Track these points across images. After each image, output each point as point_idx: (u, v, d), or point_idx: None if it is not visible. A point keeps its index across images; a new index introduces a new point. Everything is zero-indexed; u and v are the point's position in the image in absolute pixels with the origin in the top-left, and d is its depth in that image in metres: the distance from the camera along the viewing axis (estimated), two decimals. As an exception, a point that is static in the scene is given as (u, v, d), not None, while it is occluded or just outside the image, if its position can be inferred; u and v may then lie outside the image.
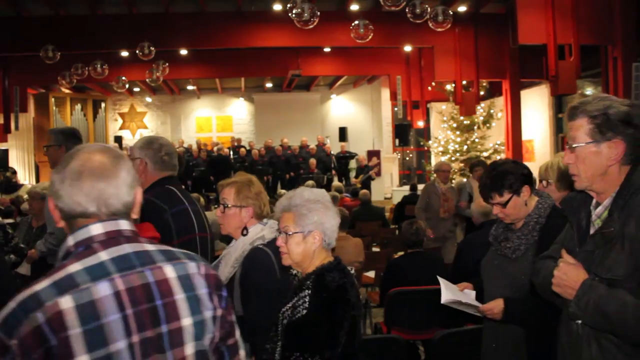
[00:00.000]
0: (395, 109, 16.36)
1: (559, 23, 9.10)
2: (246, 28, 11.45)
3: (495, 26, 11.59)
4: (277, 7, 10.84)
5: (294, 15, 7.86)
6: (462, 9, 11.11)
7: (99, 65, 11.23)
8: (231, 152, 15.67)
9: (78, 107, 16.64)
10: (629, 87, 8.23)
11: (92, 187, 1.24)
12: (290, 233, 2.00)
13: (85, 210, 1.25)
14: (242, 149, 15.34)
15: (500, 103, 13.11)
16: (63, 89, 15.64)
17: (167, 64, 12.04)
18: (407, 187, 12.74)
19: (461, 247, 4.14)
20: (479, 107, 13.03)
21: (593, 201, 1.76)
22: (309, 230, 2.00)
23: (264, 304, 2.18)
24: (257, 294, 2.22)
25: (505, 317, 2.37)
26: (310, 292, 1.93)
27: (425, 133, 16.55)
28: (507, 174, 2.37)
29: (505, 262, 2.46)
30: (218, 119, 19.35)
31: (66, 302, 1.14)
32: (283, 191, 10.55)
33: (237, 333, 1.42)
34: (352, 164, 15.74)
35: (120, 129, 18.84)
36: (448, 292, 2.60)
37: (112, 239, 1.26)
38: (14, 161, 16.16)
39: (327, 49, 13.48)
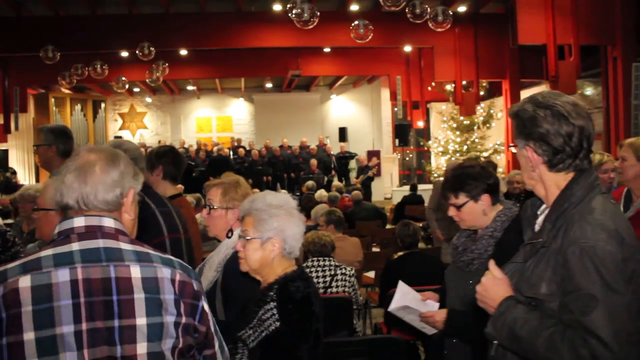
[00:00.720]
0: (395, 109, 16.37)
1: (558, 23, 9.10)
2: (246, 28, 11.45)
3: (495, 26, 11.59)
4: (277, 7, 10.84)
5: (294, 16, 7.86)
6: (462, 9, 11.12)
7: (98, 66, 11.23)
8: (231, 153, 15.67)
9: (78, 107, 16.64)
10: (629, 87, 8.23)
11: (72, 183, 1.36)
12: (248, 238, 1.89)
13: (67, 203, 1.36)
14: (241, 150, 15.32)
15: (500, 103, 13.11)
16: (63, 89, 15.63)
17: (167, 64, 12.04)
18: (407, 187, 12.75)
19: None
20: (479, 107, 13.03)
21: (543, 206, 1.61)
22: (268, 236, 1.87)
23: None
24: (238, 300, 2.13)
25: (446, 328, 2.26)
26: (276, 304, 1.83)
27: (425, 133, 16.55)
28: (469, 178, 2.26)
29: (461, 274, 2.33)
30: (218, 119, 19.34)
31: (24, 281, 1.24)
32: (284, 191, 10.55)
33: (217, 344, 1.44)
34: (352, 164, 15.74)
35: (120, 129, 18.83)
36: (400, 299, 2.48)
37: (90, 232, 1.34)
38: (13, 161, 16.16)
39: (327, 49, 13.48)
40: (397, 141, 15.00)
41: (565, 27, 9.07)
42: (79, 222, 1.35)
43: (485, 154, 13.07)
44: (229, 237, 2.31)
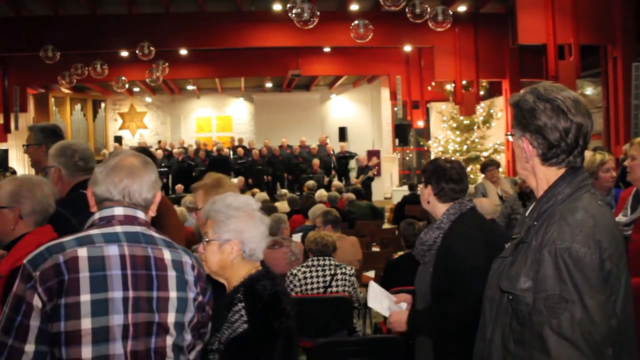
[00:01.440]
0: (395, 108, 16.37)
1: (558, 23, 9.11)
2: (246, 28, 11.46)
3: (495, 26, 11.60)
4: (277, 7, 10.85)
5: (293, 15, 7.87)
6: (461, 8, 11.12)
7: (98, 65, 11.23)
8: (231, 152, 15.66)
9: (78, 107, 16.64)
10: (629, 86, 8.23)
11: (120, 181, 1.60)
12: (207, 240, 1.87)
13: (113, 197, 1.60)
14: (240, 149, 15.30)
15: (500, 103, 13.12)
16: (63, 89, 15.63)
17: (167, 64, 12.04)
18: (407, 187, 12.74)
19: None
20: (478, 107, 13.03)
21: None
22: (226, 238, 1.85)
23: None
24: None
25: (409, 328, 2.26)
26: (244, 304, 1.81)
27: (425, 133, 16.55)
28: (424, 171, 2.44)
29: (422, 269, 2.37)
30: (218, 119, 19.33)
31: (82, 252, 1.48)
32: (284, 191, 10.54)
33: (209, 326, 1.72)
34: (352, 164, 15.73)
35: (120, 129, 18.83)
36: (373, 301, 2.46)
37: (129, 220, 1.59)
38: (13, 161, 16.14)
39: (327, 49, 13.48)
40: (397, 141, 14.99)
41: (565, 27, 9.08)
42: (118, 211, 1.59)
43: (485, 154, 13.08)
44: None
